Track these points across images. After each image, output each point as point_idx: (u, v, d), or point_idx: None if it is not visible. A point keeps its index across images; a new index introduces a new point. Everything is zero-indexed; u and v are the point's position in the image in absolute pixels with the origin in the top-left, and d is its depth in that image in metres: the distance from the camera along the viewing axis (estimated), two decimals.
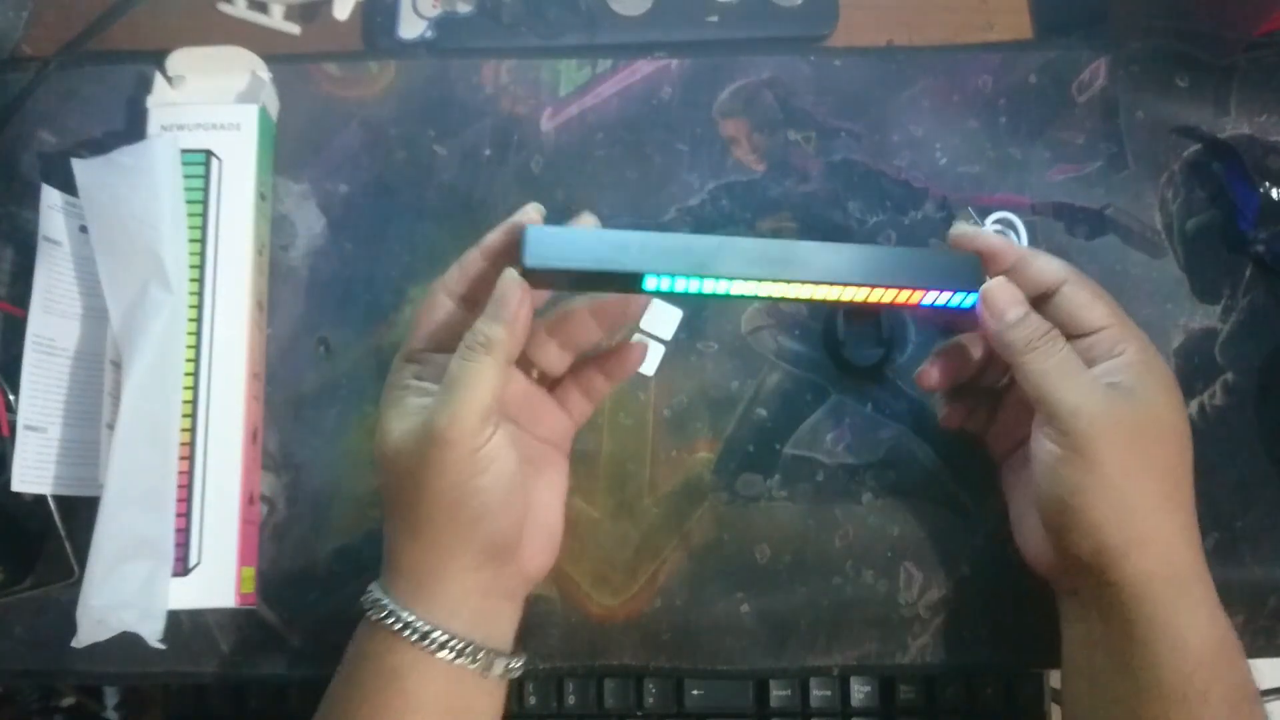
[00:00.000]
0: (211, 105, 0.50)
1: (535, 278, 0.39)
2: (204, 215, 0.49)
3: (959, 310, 0.42)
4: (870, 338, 0.50)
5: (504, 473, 0.38)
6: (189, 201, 0.48)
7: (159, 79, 0.51)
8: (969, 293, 0.40)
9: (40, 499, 0.47)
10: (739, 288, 0.40)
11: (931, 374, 0.45)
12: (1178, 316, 0.51)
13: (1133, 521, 0.38)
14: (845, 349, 0.50)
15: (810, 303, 0.48)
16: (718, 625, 0.49)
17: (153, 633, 0.44)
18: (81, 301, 0.49)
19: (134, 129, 0.52)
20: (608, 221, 0.48)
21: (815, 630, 0.48)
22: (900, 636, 0.48)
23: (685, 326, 0.51)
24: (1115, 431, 0.38)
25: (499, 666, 0.40)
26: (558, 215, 0.51)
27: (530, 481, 0.41)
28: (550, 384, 0.46)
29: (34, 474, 0.46)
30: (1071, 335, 0.41)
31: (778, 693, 0.50)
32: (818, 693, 0.50)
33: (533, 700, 0.50)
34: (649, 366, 0.51)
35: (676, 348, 0.51)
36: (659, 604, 0.49)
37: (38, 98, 0.53)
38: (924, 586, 0.49)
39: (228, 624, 0.49)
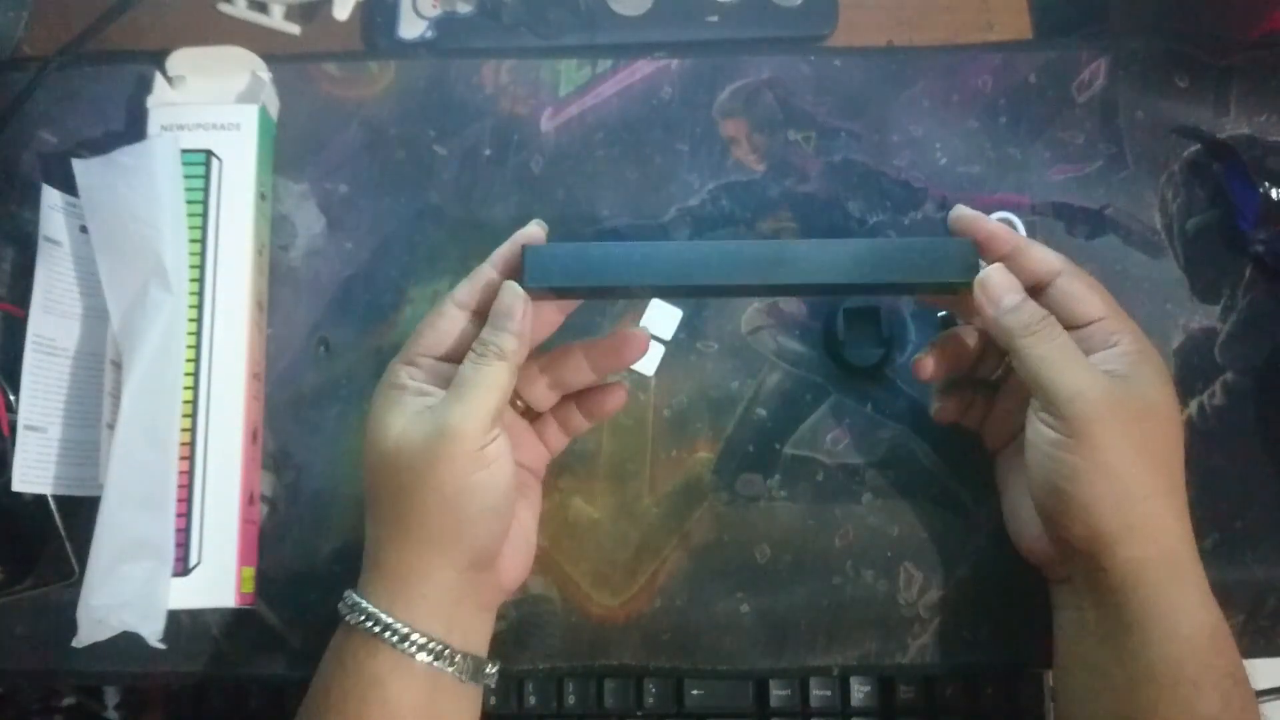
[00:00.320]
0: (211, 105, 0.50)
1: (537, 294, 0.41)
2: (204, 215, 0.49)
3: (954, 289, 0.41)
4: (870, 338, 0.50)
5: (503, 472, 0.40)
6: (189, 201, 0.48)
7: (159, 79, 0.51)
8: (964, 282, 0.40)
9: (40, 499, 0.47)
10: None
11: (927, 364, 0.45)
12: (1177, 316, 0.51)
13: (1128, 507, 0.38)
14: (845, 349, 0.50)
15: (813, 293, 0.48)
16: (717, 625, 0.49)
17: (153, 633, 0.44)
18: (82, 301, 0.49)
19: (134, 129, 0.52)
20: (608, 221, 0.48)
21: (815, 630, 0.49)
22: (900, 637, 0.48)
23: (685, 326, 0.51)
24: (1113, 417, 0.38)
25: (476, 672, 0.41)
26: (558, 215, 0.52)
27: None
28: (531, 416, 0.47)
29: (34, 474, 0.46)
30: (1067, 327, 0.40)
31: (777, 693, 0.50)
32: (817, 693, 0.50)
33: (533, 700, 0.50)
34: (649, 366, 0.51)
35: (676, 348, 0.51)
36: (659, 604, 0.49)
37: (38, 98, 0.53)
38: (924, 586, 0.49)
39: (228, 624, 0.49)
